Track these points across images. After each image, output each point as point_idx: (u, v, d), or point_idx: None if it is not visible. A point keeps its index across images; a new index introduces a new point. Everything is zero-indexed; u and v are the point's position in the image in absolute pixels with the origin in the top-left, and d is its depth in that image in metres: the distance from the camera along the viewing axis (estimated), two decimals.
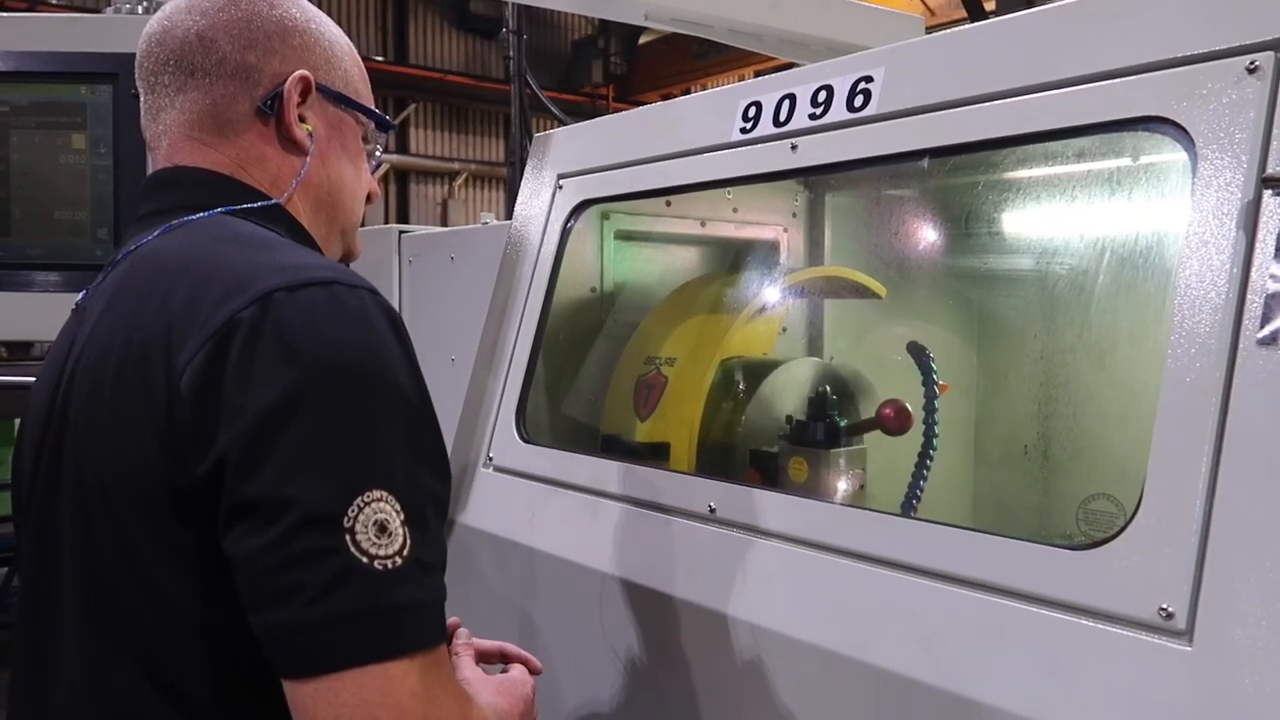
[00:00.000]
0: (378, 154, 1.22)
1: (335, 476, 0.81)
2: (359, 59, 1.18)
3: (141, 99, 1.09)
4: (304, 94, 1.07)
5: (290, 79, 1.06)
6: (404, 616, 0.81)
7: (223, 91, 1.04)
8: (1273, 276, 0.94)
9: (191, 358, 0.85)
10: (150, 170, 1.12)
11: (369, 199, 1.20)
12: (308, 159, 1.09)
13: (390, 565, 0.81)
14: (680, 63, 13.18)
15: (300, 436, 0.81)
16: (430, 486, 0.88)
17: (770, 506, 1.38)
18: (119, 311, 0.96)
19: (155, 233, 1.01)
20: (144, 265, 0.99)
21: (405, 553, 0.82)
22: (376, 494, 0.82)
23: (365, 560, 0.80)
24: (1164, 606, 0.94)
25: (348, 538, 0.80)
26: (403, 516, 0.83)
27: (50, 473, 0.98)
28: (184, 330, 0.87)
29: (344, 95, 1.12)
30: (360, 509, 0.80)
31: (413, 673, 0.81)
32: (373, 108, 1.17)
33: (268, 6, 1.07)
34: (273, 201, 1.06)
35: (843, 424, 1.82)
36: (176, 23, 1.05)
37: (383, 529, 0.81)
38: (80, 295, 1.09)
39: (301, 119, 1.07)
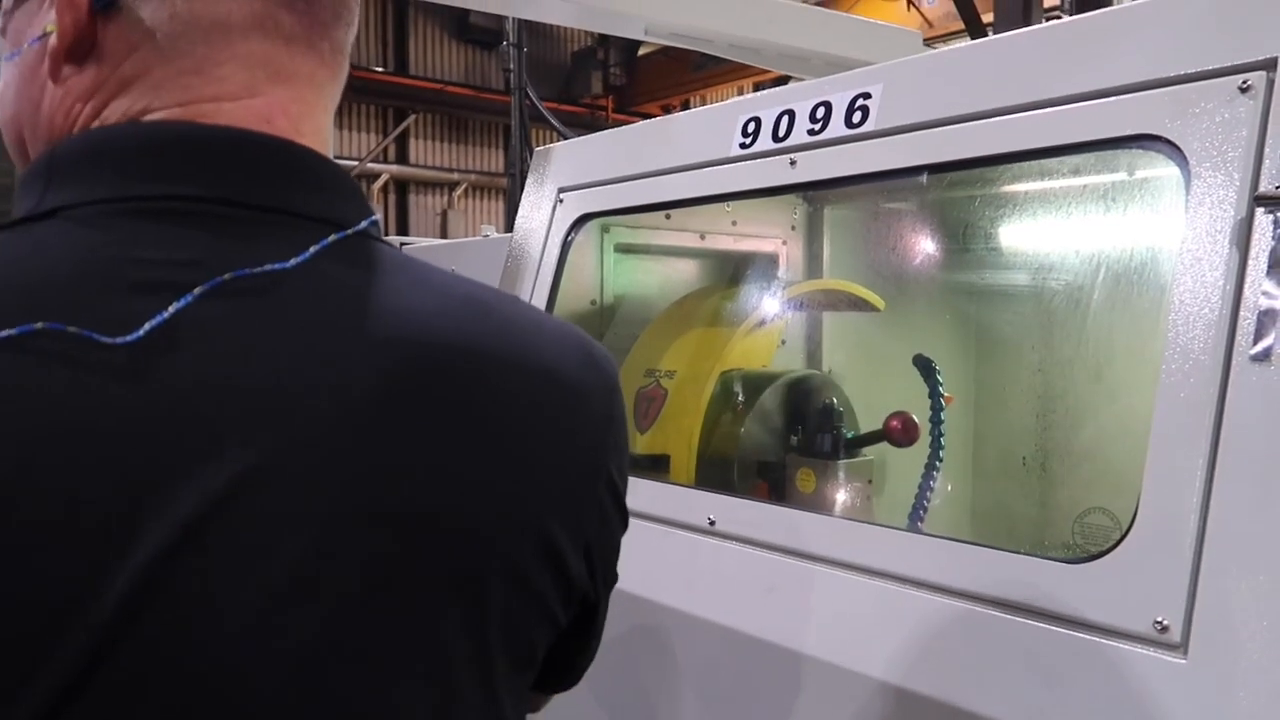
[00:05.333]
0: None
1: None
2: None
3: None
4: None
5: None
6: None
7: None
8: (1265, 293, 0.95)
9: None
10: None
11: None
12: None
13: None
14: (679, 74, 13.23)
15: None
16: None
17: (769, 519, 1.39)
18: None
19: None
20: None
21: None
22: None
23: None
24: (1159, 619, 0.95)
25: None
26: None
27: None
28: None
29: None
30: None
31: None
32: None
33: None
34: None
35: (849, 435, 1.83)
36: None
37: None
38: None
39: None
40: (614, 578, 0.82)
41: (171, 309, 0.57)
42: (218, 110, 0.65)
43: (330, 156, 0.70)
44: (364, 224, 0.68)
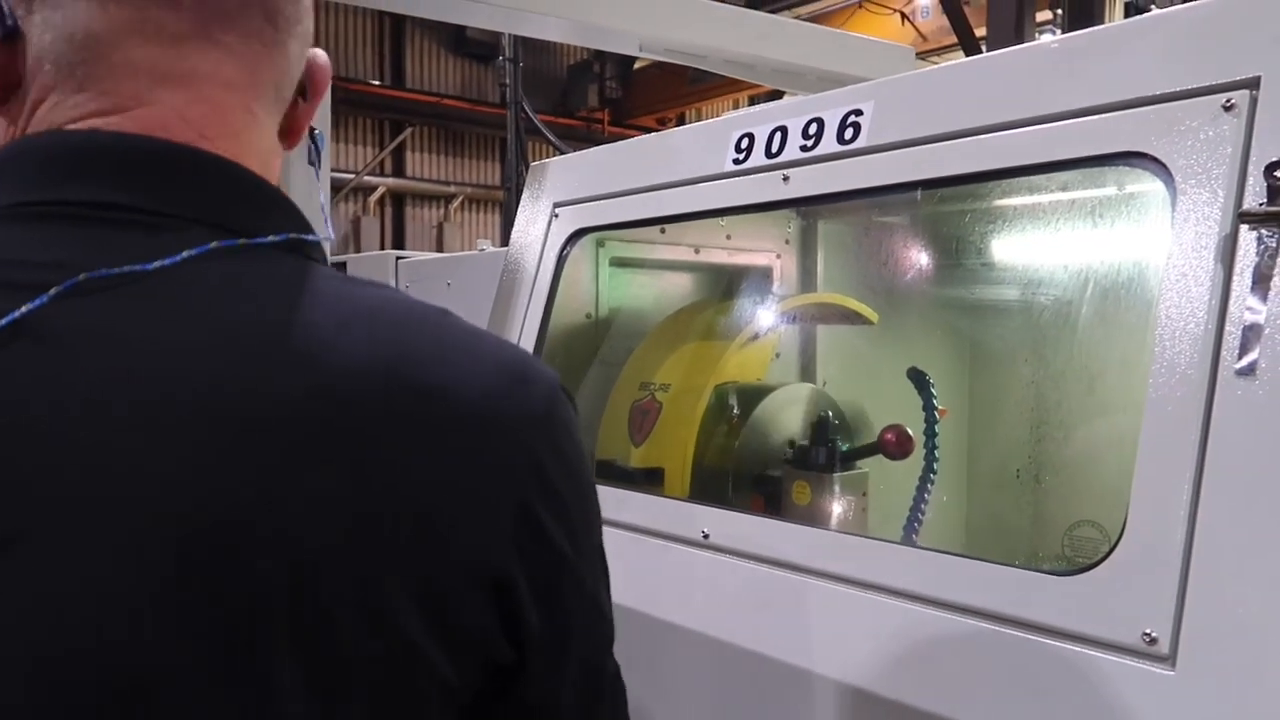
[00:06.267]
0: None
1: None
2: None
3: None
4: None
5: None
6: None
7: None
8: (1250, 309, 0.96)
9: None
10: None
11: None
12: None
13: None
14: (675, 87, 13.28)
15: None
16: None
17: (763, 532, 1.40)
18: None
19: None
20: None
21: None
22: None
23: None
24: (1147, 631, 0.96)
25: None
26: None
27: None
28: None
29: None
30: None
31: None
32: None
33: None
34: None
35: (844, 448, 1.84)
36: None
37: None
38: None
39: None
40: (578, 633, 0.70)
41: (24, 309, 0.56)
42: (105, 124, 0.64)
43: (247, 155, 0.67)
44: (274, 238, 0.64)
